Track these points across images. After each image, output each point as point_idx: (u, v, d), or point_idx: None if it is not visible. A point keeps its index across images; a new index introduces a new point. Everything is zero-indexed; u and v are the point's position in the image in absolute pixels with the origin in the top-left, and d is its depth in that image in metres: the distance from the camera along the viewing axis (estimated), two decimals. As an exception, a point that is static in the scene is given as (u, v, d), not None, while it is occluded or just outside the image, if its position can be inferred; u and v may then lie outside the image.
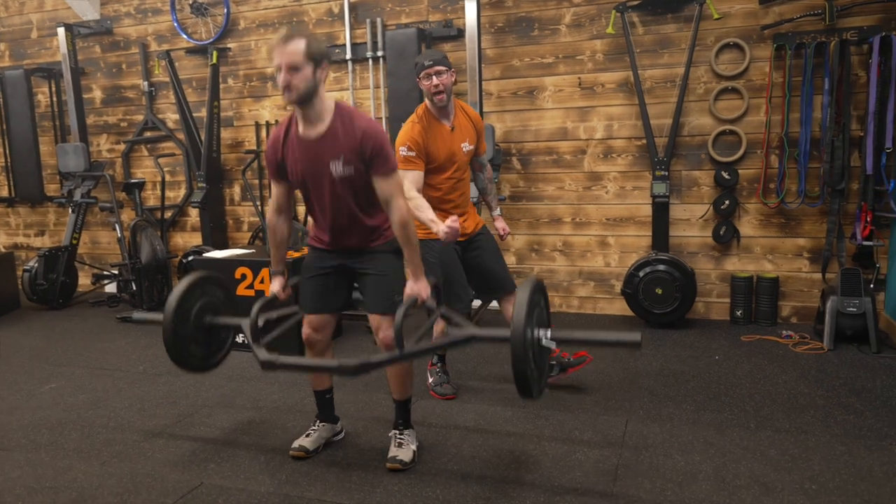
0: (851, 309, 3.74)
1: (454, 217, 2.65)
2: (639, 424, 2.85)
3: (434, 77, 2.89)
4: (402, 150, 2.88)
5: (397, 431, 2.60)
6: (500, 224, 3.37)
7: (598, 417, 2.93)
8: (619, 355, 3.79)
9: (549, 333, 2.19)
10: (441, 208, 2.98)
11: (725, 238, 4.36)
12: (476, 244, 3.14)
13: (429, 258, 2.87)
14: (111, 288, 5.83)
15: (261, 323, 2.48)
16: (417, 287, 2.39)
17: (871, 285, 3.96)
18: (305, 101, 2.25)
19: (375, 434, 2.85)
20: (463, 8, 4.64)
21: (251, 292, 4.02)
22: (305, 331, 2.61)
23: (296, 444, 2.66)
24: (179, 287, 2.49)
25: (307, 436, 2.69)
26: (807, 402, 3.04)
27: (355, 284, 2.60)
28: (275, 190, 2.53)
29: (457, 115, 3.05)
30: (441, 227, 2.64)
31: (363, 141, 2.27)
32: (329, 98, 2.35)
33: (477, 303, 4.58)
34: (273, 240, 2.59)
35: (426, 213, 2.77)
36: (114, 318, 5.02)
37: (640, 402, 3.09)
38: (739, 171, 4.28)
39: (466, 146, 3.05)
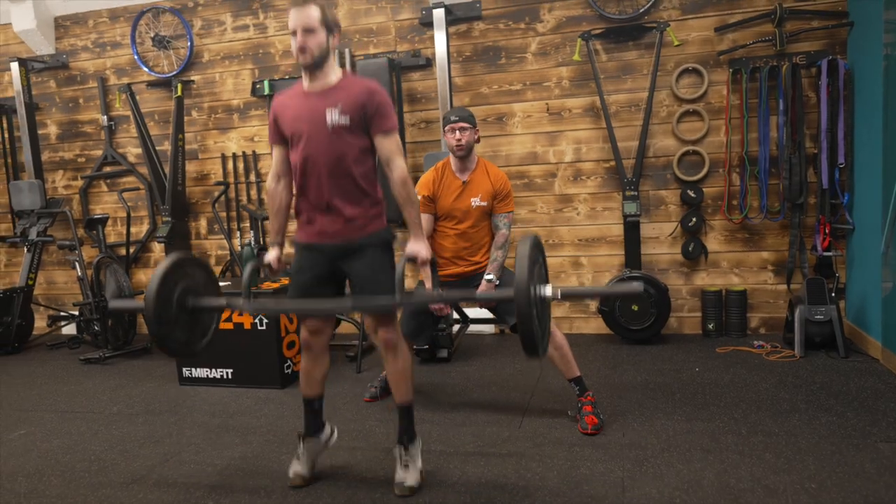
0: (818, 317, 3.91)
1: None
2: (635, 437, 2.90)
3: (458, 132, 3.13)
4: None
5: (402, 448, 2.55)
6: (479, 290, 3.10)
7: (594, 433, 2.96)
8: (601, 371, 3.86)
9: (549, 288, 2.20)
10: (445, 256, 3.25)
11: (694, 254, 4.51)
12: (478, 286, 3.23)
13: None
14: (69, 329, 5.60)
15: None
16: (417, 246, 2.44)
17: (833, 294, 4.15)
18: (317, 66, 2.35)
19: (374, 461, 2.80)
20: (430, 38, 4.75)
21: (230, 325, 3.93)
22: (303, 334, 2.57)
23: (291, 472, 2.61)
24: (160, 270, 2.35)
25: (297, 460, 2.63)
26: (790, 406, 3.15)
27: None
28: (275, 155, 2.54)
29: (477, 171, 3.23)
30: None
31: (369, 95, 2.36)
32: (338, 68, 2.44)
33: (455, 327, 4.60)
34: (272, 207, 2.58)
35: (427, 282, 3.01)
36: (76, 360, 4.81)
37: (633, 416, 3.14)
38: (704, 190, 4.46)
39: (477, 201, 3.20)
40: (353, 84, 2.39)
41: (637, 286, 2.22)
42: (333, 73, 2.40)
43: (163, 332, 2.35)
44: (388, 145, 2.38)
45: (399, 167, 2.38)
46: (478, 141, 3.23)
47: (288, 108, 2.44)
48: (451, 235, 3.24)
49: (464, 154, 3.16)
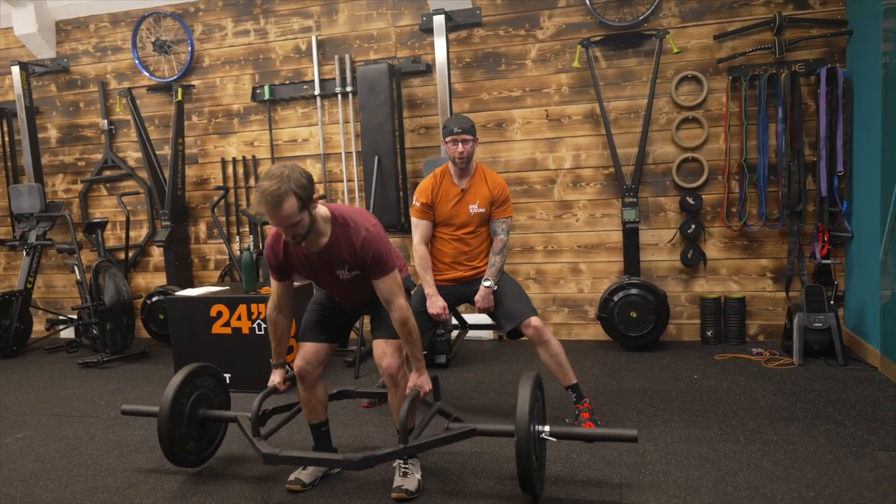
0: (817, 324, 3.91)
1: (444, 306, 3.16)
2: (633, 444, 2.89)
3: (461, 144, 3.12)
4: (414, 201, 3.26)
5: (401, 461, 2.56)
6: (478, 295, 3.18)
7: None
8: (600, 377, 3.85)
9: (548, 429, 2.41)
10: (444, 261, 3.27)
11: (693, 261, 4.51)
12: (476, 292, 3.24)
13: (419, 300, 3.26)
14: (67, 333, 5.60)
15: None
16: (420, 380, 2.51)
17: (832, 302, 4.14)
18: (310, 234, 2.30)
19: (374, 467, 2.79)
20: (430, 44, 4.76)
21: (227, 330, 3.93)
22: (298, 363, 2.59)
23: (292, 477, 2.61)
24: (172, 385, 2.65)
25: (304, 469, 2.63)
26: (788, 414, 3.15)
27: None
28: (275, 287, 2.55)
29: (475, 178, 3.24)
30: (432, 307, 3.16)
31: (362, 252, 2.37)
32: (322, 209, 2.37)
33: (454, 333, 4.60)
34: (273, 334, 2.62)
35: (425, 287, 3.20)
36: (74, 364, 4.80)
37: (631, 423, 3.13)
38: (703, 197, 4.46)
39: (475, 208, 3.21)
40: (346, 236, 2.36)
41: (632, 432, 2.37)
42: (324, 225, 2.36)
43: (176, 446, 2.65)
44: (386, 287, 2.40)
45: (399, 308, 2.39)
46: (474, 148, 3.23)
47: (295, 259, 2.45)
48: (449, 241, 3.25)
49: (465, 164, 3.18)
